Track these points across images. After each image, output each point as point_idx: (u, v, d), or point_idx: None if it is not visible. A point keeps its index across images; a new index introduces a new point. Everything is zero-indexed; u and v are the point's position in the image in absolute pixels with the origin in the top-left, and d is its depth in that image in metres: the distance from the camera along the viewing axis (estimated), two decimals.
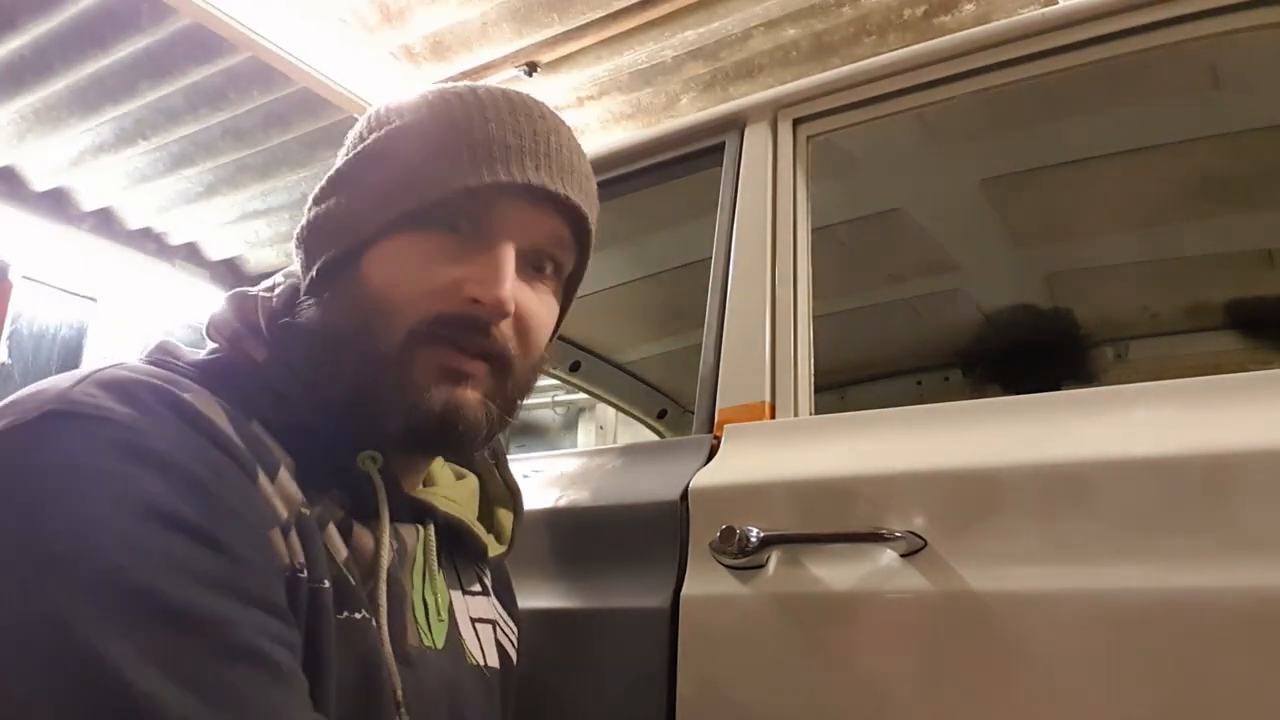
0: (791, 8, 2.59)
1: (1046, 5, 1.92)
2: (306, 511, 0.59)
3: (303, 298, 0.67)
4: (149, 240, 3.90)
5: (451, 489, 0.76)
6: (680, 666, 0.91)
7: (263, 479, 0.57)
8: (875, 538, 0.85)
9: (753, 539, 0.90)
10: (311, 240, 0.68)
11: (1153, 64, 1.20)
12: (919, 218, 1.63)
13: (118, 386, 0.54)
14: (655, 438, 2.27)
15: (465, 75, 2.93)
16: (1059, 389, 1.83)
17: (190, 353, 0.66)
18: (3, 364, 3.73)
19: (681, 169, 1.33)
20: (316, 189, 0.70)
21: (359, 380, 0.63)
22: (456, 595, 0.75)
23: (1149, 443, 0.79)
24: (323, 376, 0.63)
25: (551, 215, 0.67)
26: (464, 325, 0.63)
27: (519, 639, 0.87)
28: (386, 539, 0.64)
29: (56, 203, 3.61)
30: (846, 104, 1.18)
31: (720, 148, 1.26)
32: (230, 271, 4.15)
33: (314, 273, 0.66)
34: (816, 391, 1.08)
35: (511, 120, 0.66)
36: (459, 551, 0.77)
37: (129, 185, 3.54)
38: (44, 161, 3.41)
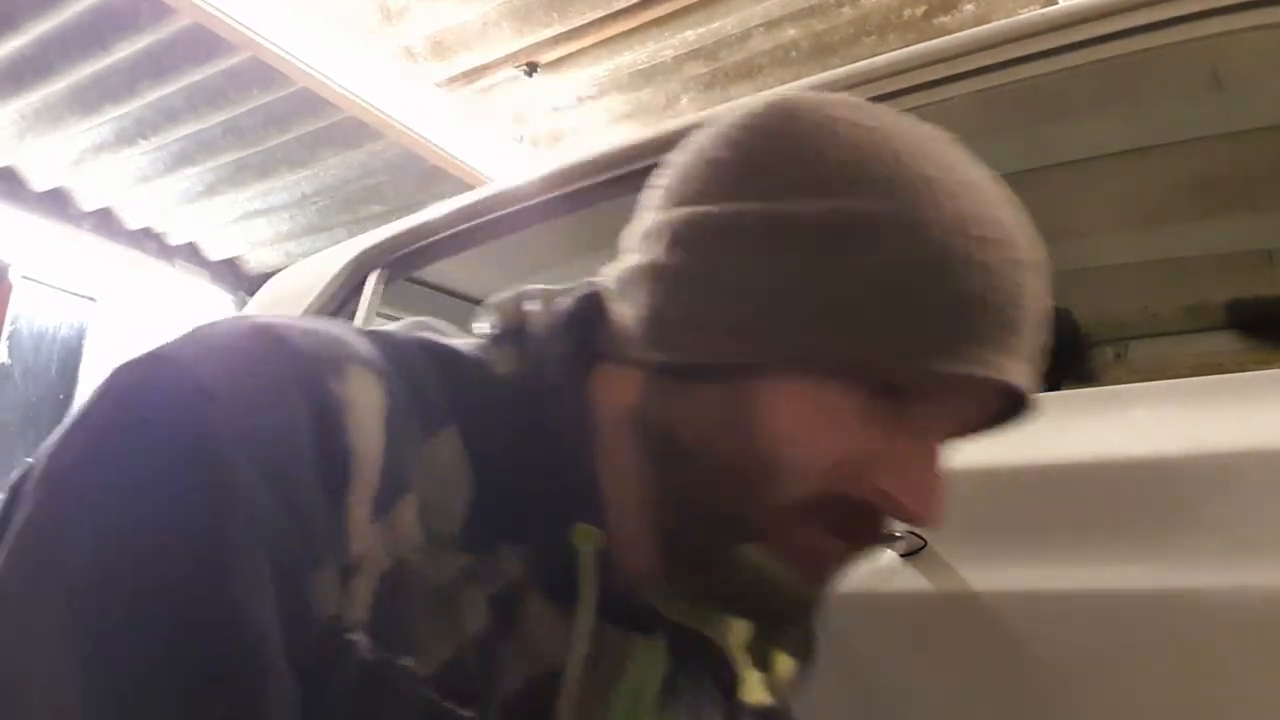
0: (791, 8, 2.59)
1: (1046, 5, 1.92)
2: (414, 560, 0.45)
3: (626, 359, 0.52)
4: (149, 240, 3.90)
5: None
6: None
7: (355, 504, 0.43)
8: None
9: None
10: (684, 311, 0.50)
11: (1153, 64, 1.20)
12: None
13: (235, 346, 0.44)
14: None
15: (465, 75, 2.93)
16: (1059, 389, 1.83)
17: (449, 336, 0.55)
18: (2, 364, 3.73)
19: None
20: (700, 219, 0.50)
21: (704, 531, 0.50)
22: None
23: (1149, 443, 0.79)
24: (637, 483, 0.51)
25: (998, 399, 0.52)
26: (860, 514, 0.49)
27: None
28: (580, 643, 0.49)
29: (56, 203, 3.61)
30: None
31: None
32: (231, 271, 4.15)
33: (676, 358, 0.50)
34: None
35: (1014, 273, 0.49)
36: (706, 680, 0.59)
37: (129, 185, 3.54)
38: (44, 161, 3.41)
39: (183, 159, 3.35)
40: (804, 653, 0.61)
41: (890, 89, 1.15)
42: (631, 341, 0.52)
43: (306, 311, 1.48)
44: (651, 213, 0.54)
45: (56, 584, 0.39)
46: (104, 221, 3.75)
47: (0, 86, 2.99)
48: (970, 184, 0.50)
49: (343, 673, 0.43)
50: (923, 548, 0.83)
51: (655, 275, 0.51)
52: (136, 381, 0.43)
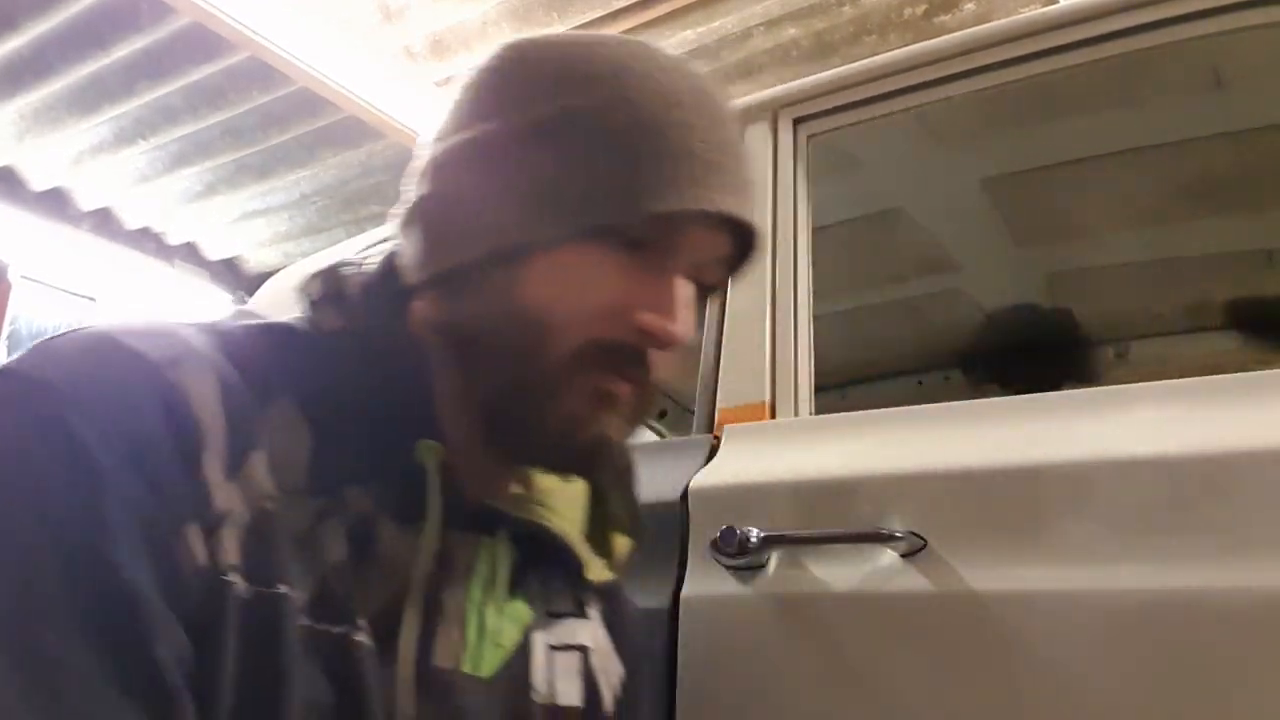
0: (792, 7, 2.59)
1: (1046, 5, 1.92)
2: (270, 507, 0.53)
3: (419, 286, 0.61)
4: (148, 240, 3.90)
5: (549, 494, 0.67)
6: (680, 666, 0.91)
7: (210, 467, 0.50)
8: (875, 538, 0.85)
9: (753, 539, 0.90)
10: (443, 227, 0.60)
11: (1153, 64, 1.20)
12: (919, 218, 1.63)
13: (76, 351, 0.51)
14: (655, 438, 2.27)
15: None
16: (1059, 389, 1.83)
17: (261, 319, 0.62)
18: None
19: None
20: (448, 151, 0.60)
21: (503, 397, 0.58)
22: (539, 620, 0.67)
23: (1149, 443, 0.79)
24: (425, 374, 0.59)
25: (725, 235, 0.62)
26: (627, 353, 0.58)
27: (630, 683, 0.74)
28: (427, 546, 0.57)
29: (56, 202, 3.61)
30: (846, 104, 1.18)
31: None
32: (230, 271, 4.15)
33: (446, 266, 0.59)
34: (816, 391, 1.08)
35: (706, 126, 0.59)
36: (553, 568, 0.68)
37: (128, 185, 3.54)
38: (43, 161, 3.41)
39: (182, 159, 3.35)
40: (634, 530, 0.73)
41: (890, 89, 1.15)
42: (417, 268, 0.61)
43: None
44: (416, 162, 0.64)
45: None
46: (103, 221, 3.75)
47: (0, 86, 2.99)
48: (669, 69, 0.60)
49: (225, 610, 0.49)
50: (923, 548, 0.83)
51: (420, 206, 0.61)
52: None
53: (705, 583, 0.93)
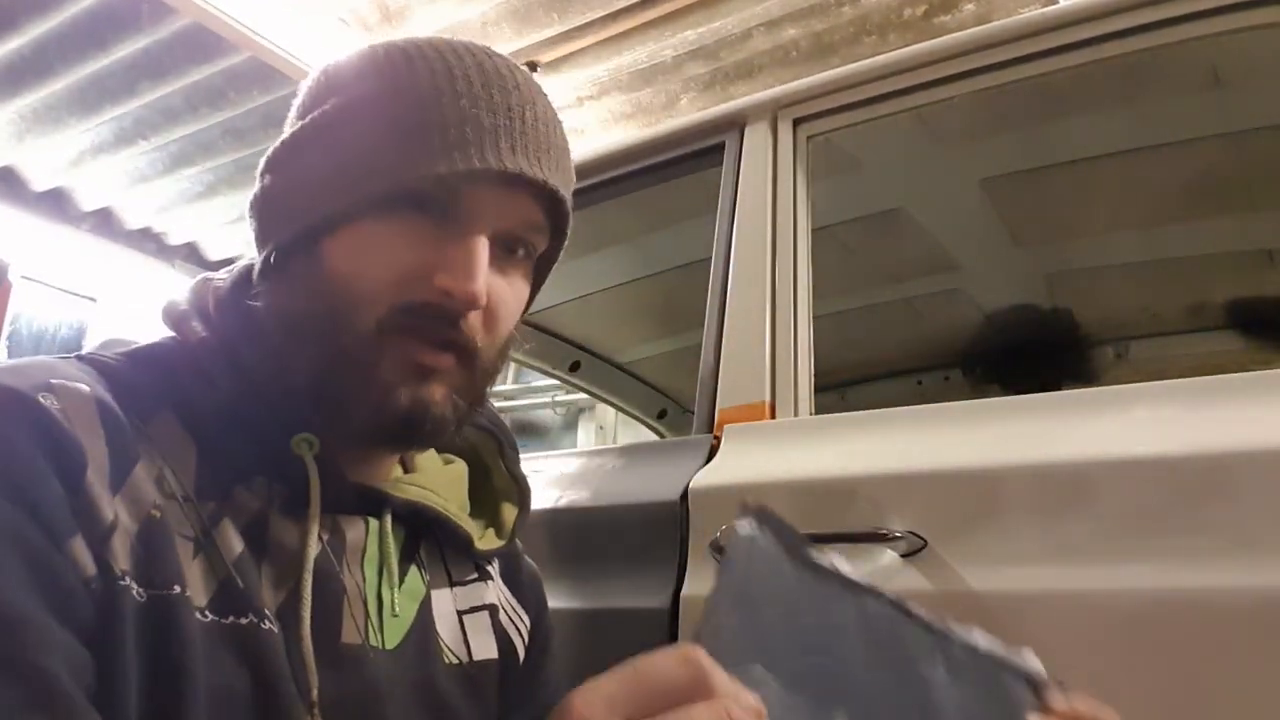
0: (791, 8, 2.59)
1: (1046, 5, 1.92)
2: (158, 515, 0.55)
3: (255, 280, 0.63)
4: (149, 240, 3.90)
5: (429, 475, 0.72)
6: None
7: (94, 481, 0.52)
8: (875, 538, 0.85)
9: None
10: (264, 219, 0.64)
11: (1153, 64, 1.21)
12: (919, 218, 1.63)
13: None
14: (655, 438, 2.27)
15: None
16: (1059, 389, 1.83)
17: (130, 344, 0.64)
18: None
19: (681, 169, 1.33)
20: (268, 155, 0.65)
21: (321, 374, 0.59)
22: (443, 591, 0.71)
23: (1149, 443, 0.79)
24: (277, 366, 0.60)
25: (527, 197, 0.63)
26: (433, 316, 0.59)
27: (536, 631, 0.80)
28: (314, 533, 0.60)
29: (56, 203, 3.61)
30: (846, 104, 1.18)
31: (720, 148, 1.26)
32: None
33: (266, 256, 0.62)
34: (816, 391, 1.08)
35: (484, 94, 0.61)
36: (447, 543, 0.73)
37: (129, 185, 3.54)
38: (44, 161, 3.41)
39: (182, 159, 3.35)
40: (521, 498, 0.77)
41: (890, 89, 1.15)
42: (254, 266, 0.64)
43: None
44: None
45: None
46: (104, 221, 3.75)
47: (0, 86, 2.99)
48: (459, 52, 0.63)
49: (124, 615, 0.51)
50: (923, 548, 0.83)
51: (250, 206, 0.65)
52: None
53: (705, 582, 0.93)
